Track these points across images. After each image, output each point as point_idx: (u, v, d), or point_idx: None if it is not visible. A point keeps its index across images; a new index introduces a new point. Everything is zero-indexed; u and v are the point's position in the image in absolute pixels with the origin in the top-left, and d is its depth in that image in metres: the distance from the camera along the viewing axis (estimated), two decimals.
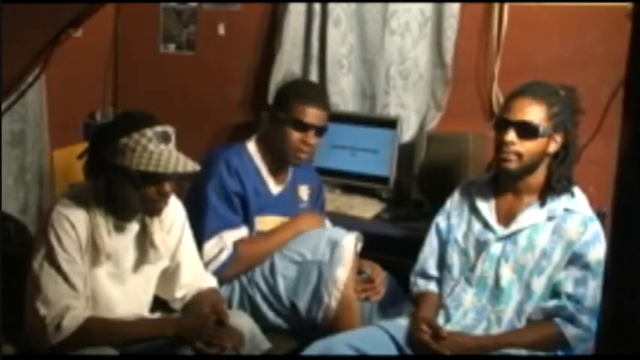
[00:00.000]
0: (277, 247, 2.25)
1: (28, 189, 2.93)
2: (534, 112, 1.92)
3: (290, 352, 2.15)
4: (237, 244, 2.22)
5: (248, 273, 2.24)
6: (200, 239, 2.16)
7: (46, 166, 3.02)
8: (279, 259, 2.22)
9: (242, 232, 2.27)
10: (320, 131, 2.31)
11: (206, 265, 2.16)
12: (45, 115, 2.96)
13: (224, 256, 2.19)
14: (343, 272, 2.13)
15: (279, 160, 2.35)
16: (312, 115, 2.27)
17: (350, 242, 2.17)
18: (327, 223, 2.52)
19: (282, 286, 2.19)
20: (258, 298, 2.22)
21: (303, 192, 2.46)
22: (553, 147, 1.96)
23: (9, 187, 2.82)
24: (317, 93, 2.45)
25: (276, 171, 2.38)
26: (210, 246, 2.18)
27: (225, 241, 2.20)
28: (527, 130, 1.92)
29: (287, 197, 2.38)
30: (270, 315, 2.21)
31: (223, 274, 2.19)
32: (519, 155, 1.93)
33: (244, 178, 2.27)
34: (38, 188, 2.98)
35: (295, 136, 2.27)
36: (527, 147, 1.92)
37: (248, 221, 2.29)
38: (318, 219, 2.41)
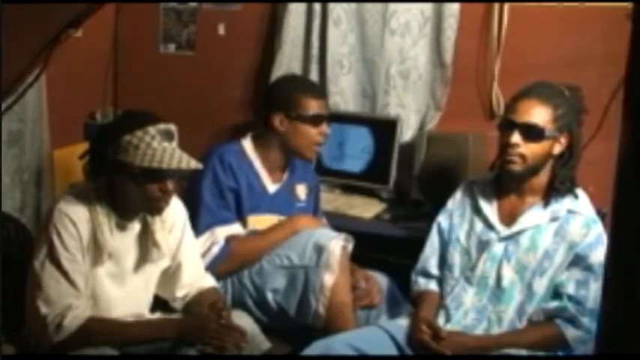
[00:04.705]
0: (272, 246, 2.22)
1: (25, 189, 2.92)
2: (540, 114, 1.91)
3: (290, 351, 2.14)
4: (229, 239, 2.21)
5: (238, 274, 2.23)
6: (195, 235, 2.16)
7: (44, 166, 3.01)
8: (266, 263, 2.20)
9: (234, 228, 2.25)
10: (328, 120, 2.37)
11: None
12: (44, 115, 2.95)
13: (215, 250, 2.18)
14: (330, 278, 2.09)
15: (278, 159, 2.35)
16: (322, 106, 2.34)
17: (336, 247, 2.12)
18: (325, 222, 2.51)
19: (269, 290, 2.17)
20: (248, 300, 2.22)
21: (301, 191, 2.44)
22: (558, 148, 1.95)
23: (6, 186, 2.80)
24: (314, 84, 2.64)
25: (273, 169, 2.37)
26: (202, 241, 2.18)
27: (216, 236, 2.20)
28: (532, 132, 1.91)
29: (283, 196, 2.37)
30: (259, 315, 2.19)
31: (216, 269, 2.18)
32: (524, 157, 1.92)
33: (238, 175, 2.27)
34: (35, 188, 2.98)
35: (313, 130, 2.31)
36: (532, 149, 1.92)
37: (241, 218, 2.28)
38: (315, 220, 2.39)
